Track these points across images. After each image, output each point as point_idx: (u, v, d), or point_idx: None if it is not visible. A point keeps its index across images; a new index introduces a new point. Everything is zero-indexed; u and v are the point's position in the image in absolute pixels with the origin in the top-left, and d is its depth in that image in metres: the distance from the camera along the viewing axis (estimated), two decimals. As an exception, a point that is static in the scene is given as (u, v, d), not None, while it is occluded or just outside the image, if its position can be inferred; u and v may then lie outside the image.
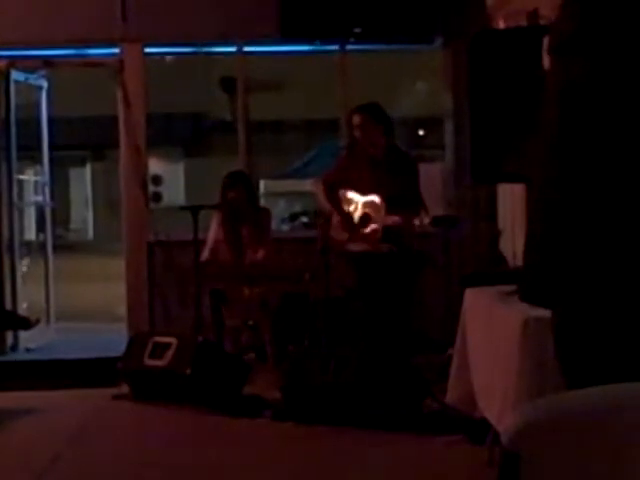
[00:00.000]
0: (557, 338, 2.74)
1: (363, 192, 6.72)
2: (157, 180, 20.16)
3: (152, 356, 6.60)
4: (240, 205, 7.77)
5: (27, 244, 9.63)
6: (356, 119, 6.80)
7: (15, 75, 8.83)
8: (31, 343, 8.73)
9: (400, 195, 6.63)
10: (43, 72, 9.25)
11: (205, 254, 7.73)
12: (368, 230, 6.65)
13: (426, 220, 6.63)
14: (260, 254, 7.68)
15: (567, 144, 2.56)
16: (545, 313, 3.78)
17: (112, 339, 8.45)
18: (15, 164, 8.92)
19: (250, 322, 7.64)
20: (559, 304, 2.67)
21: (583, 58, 2.55)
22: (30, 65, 9.06)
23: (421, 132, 22.02)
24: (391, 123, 6.92)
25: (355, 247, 6.72)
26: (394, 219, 6.51)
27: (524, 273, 2.74)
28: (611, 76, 2.53)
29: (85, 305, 12.48)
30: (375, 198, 6.68)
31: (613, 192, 2.50)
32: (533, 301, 2.85)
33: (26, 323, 8.03)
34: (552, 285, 2.61)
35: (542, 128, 2.68)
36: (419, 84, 20.95)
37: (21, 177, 9.45)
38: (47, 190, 9.54)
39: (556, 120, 2.62)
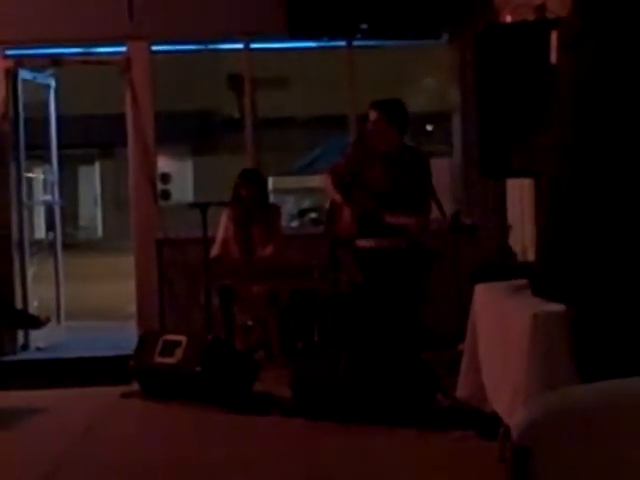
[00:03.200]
0: (573, 332, 2.74)
1: (374, 188, 6.69)
2: (166, 178, 20.23)
3: (162, 354, 6.61)
4: (252, 203, 7.77)
5: (37, 243, 9.65)
6: (372, 114, 6.76)
7: (23, 74, 8.85)
8: (41, 342, 8.76)
9: (411, 193, 6.59)
10: (51, 71, 9.27)
11: (214, 251, 7.74)
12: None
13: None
14: (268, 250, 7.68)
15: (580, 140, 2.56)
16: (555, 308, 3.78)
17: (122, 337, 8.47)
18: (24, 163, 8.94)
19: (249, 322, 7.64)
20: (572, 298, 2.67)
21: (594, 51, 2.55)
22: (38, 64, 9.08)
23: (429, 127, 22.00)
24: (407, 122, 6.81)
25: (364, 243, 6.71)
26: (410, 221, 6.46)
27: (537, 268, 2.74)
28: (622, 69, 2.52)
29: (95, 303, 12.51)
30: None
31: (627, 186, 2.50)
32: (546, 295, 2.85)
33: (36, 322, 8.04)
34: (565, 280, 2.61)
35: (554, 125, 2.68)
36: (426, 80, 20.92)
37: (30, 175, 9.47)
38: (56, 189, 9.56)
39: (569, 117, 2.62)
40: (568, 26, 2.73)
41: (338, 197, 6.76)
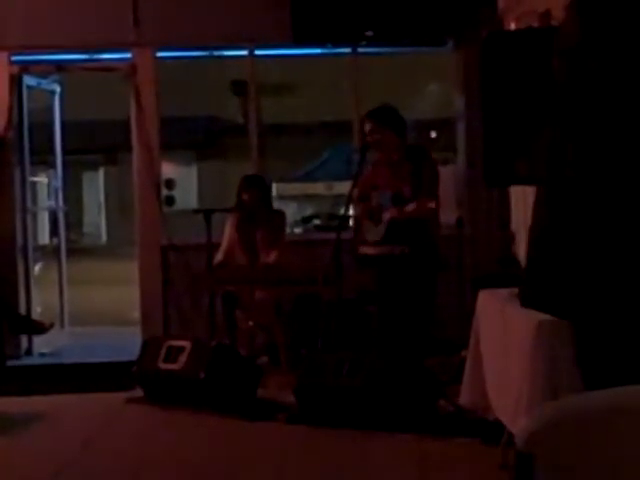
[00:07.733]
0: (578, 343, 2.74)
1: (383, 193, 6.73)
2: (170, 184, 20.23)
3: (166, 360, 6.61)
4: (255, 208, 7.78)
5: (41, 248, 9.66)
6: (367, 125, 6.81)
7: (28, 80, 8.86)
8: (45, 347, 8.76)
9: (418, 189, 6.59)
10: (56, 77, 9.28)
11: (218, 257, 7.74)
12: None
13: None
14: (272, 256, 7.68)
15: (575, 147, 2.56)
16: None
17: (126, 343, 8.47)
18: (28, 168, 8.95)
19: (250, 323, 7.64)
20: (561, 309, 2.66)
21: (589, 58, 2.56)
22: (42, 70, 9.09)
23: (433, 134, 22.02)
24: (403, 124, 6.87)
25: (368, 250, 6.72)
26: (411, 207, 6.48)
27: (526, 277, 2.74)
28: (618, 76, 2.53)
29: (99, 309, 12.51)
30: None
31: (622, 193, 2.50)
32: (534, 306, 2.84)
33: (40, 328, 8.05)
34: (557, 290, 2.60)
35: (549, 131, 2.69)
36: (431, 86, 20.95)
37: (34, 179, 9.48)
38: (60, 194, 9.57)
39: (564, 123, 2.62)
40: (563, 33, 2.74)
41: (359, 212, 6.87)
